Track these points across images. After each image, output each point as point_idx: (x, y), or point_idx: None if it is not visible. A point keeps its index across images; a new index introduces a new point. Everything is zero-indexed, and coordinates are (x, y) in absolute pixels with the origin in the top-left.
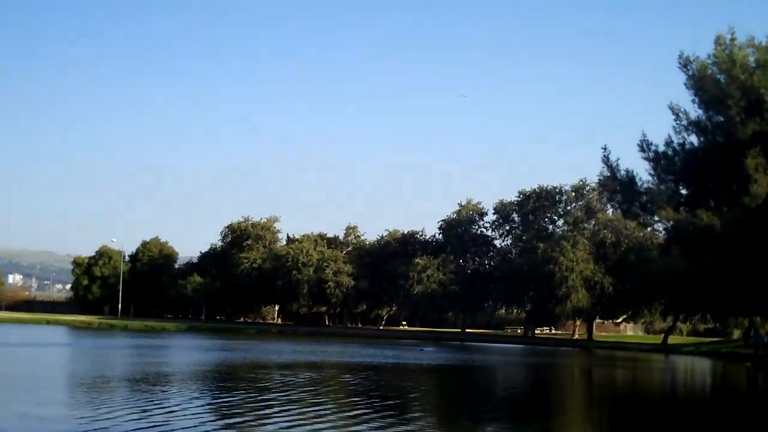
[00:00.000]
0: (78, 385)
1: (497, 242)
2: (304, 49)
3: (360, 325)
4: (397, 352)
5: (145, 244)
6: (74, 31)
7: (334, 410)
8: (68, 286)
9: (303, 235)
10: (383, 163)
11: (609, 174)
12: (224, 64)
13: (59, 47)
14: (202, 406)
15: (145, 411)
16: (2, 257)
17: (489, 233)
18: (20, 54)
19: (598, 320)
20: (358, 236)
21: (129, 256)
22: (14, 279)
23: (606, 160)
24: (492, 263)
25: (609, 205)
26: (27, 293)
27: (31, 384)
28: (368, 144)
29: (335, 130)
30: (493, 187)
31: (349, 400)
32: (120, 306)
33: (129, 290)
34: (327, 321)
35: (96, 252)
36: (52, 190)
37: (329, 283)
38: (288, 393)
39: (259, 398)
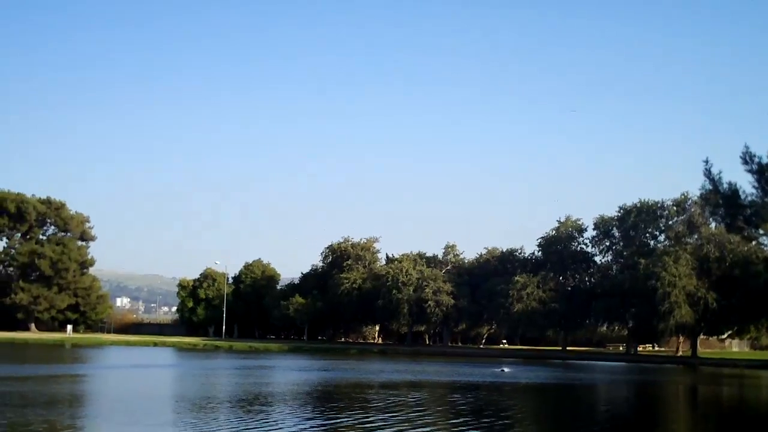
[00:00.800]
0: (188, 406)
1: (597, 258)
2: (401, 61)
3: (460, 344)
4: (499, 371)
5: (247, 266)
6: (188, 55)
7: (443, 430)
8: (174, 309)
9: (402, 255)
10: (481, 180)
11: (711, 187)
12: (325, 87)
13: (167, 78)
14: (314, 427)
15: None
16: (111, 281)
17: (589, 249)
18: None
19: (702, 336)
20: (457, 255)
21: (232, 278)
22: (122, 302)
23: (708, 173)
24: (592, 280)
25: (712, 219)
26: (135, 316)
27: (143, 406)
28: (465, 161)
29: (432, 149)
30: (593, 202)
31: (458, 420)
32: (224, 327)
33: (233, 311)
34: (427, 340)
35: (200, 274)
36: (157, 215)
37: (429, 302)
38: (397, 413)
39: (370, 419)
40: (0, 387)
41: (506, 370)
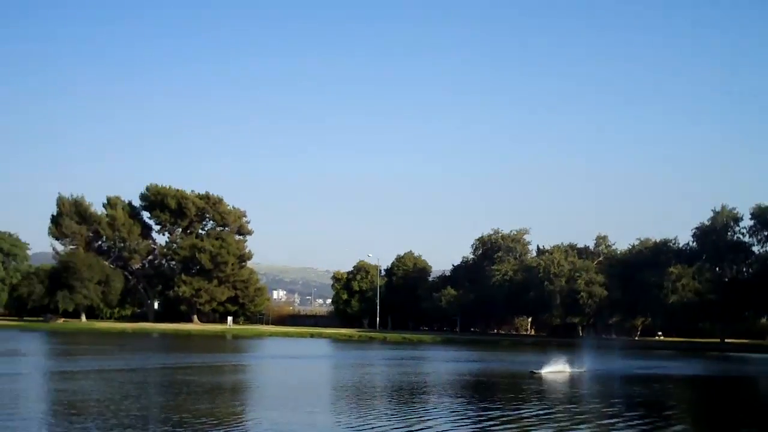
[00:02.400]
0: (347, 394)
1: (756, 249)
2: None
3: (614, 336)
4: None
5: (399, 259)
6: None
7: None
8: (328, 300)
9: (553, 246)
10: (630, 170)
11: None
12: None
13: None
14: (493, 419)
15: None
16: (267, 274)
17: (746, 240)
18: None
19: None
20: (609, 246)
21: (384, 270)
22: (278, 294)
23: None
24: (750, 270)
25: None
26: (291, 308)
27: (304, 393)
28: (614, 151)
29: (579, 140)
30: (749, 191)
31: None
32: (378, 319)
33: (386, 303)
34: (581, 332)
35: (354, 267)
36: (311, 209)
37: (581, 294)
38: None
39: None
40: (168, 376)
41: (537, 372)
